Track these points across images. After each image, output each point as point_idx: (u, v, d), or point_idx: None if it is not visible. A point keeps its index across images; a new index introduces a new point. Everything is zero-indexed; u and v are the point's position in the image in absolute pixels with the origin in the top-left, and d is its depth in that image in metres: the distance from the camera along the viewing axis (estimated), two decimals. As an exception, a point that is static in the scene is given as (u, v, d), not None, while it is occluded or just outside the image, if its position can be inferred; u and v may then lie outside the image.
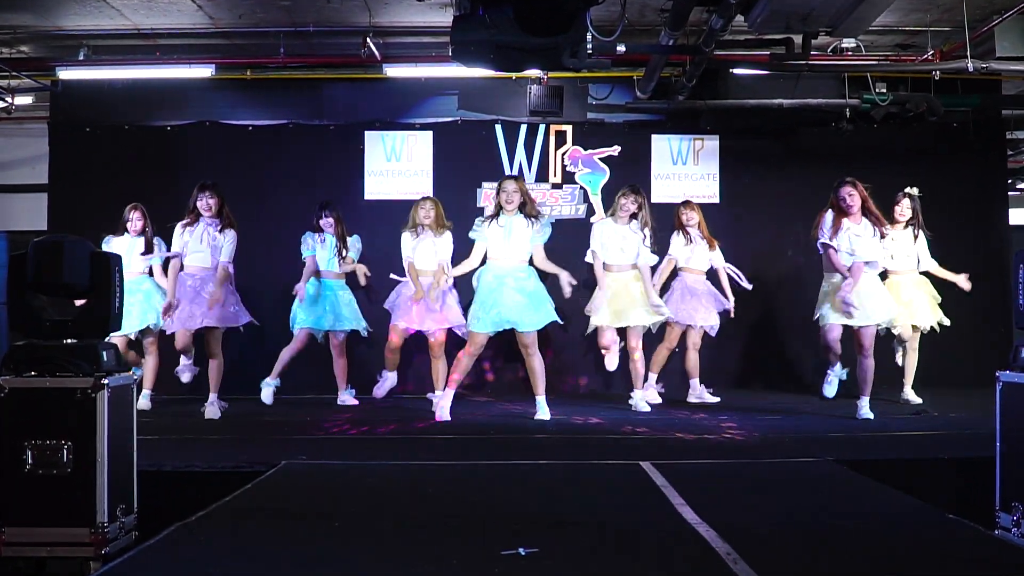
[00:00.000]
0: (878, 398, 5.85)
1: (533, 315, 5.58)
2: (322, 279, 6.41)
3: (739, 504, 3.45)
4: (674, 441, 5.00)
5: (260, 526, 3.07)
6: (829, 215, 5.59)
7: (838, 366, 5.87)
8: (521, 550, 2.71)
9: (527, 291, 5.60)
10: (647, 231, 6.04)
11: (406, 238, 6.20)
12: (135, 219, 6.24)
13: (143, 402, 6.08)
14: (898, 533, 3.00)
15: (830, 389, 5.93)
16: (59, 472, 3.12)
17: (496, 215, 5.72)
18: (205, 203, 5.79)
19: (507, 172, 7.52)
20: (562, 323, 5.88)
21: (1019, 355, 3.37)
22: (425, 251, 6.17)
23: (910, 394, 6.33)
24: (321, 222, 6.39)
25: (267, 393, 6.36)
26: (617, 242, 6.05)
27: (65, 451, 3.13)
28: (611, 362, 6.31)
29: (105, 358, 3.30)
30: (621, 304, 6.03)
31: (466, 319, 5.92)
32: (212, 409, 5.84)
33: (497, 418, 5.83)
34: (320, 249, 6.39)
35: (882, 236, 5.62)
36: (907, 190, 6.28)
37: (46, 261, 3.33)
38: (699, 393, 6.57)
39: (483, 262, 5.76)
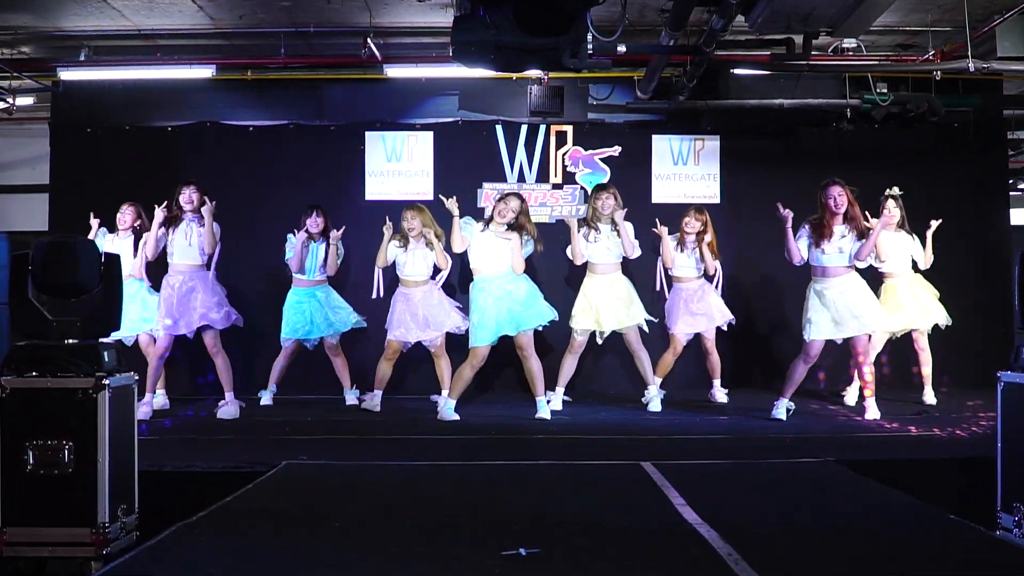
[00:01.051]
0: (883, 398, 5.86)
1: (526, 317, 5.64)
2: (300, 288, 6.32)
3: (740, 504, 3.45)
4: (675, 441, 5.00)
5: (260, 526, 3.07)
6: (804, 230, 5.52)
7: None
8: (522, 550, 2.71)
9: (517, 296, 5.66)
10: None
11: (391, 248, 6.06)
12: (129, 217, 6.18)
13: (161, 400, 6.10)
14: (898, 533, 3.01)
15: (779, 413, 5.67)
16: (60, 472, 3.13)
17: (487, 223, 5.79)
18: (188, 197, 5.78)
19: (508, 173, 7.51)
20: (556, 320, 5.84)
21: (1019, 355, 3.37)
22: (416, 261, 6.12)
23: (928, 395, 6.27)
24: (308, 221, 6.23)
25: (266, 398, 6.39)
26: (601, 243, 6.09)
27: (66, 451, 3.14)
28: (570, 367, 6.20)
29: (106, 358, 3.31)
30: (600, 308, 6.05)
31: (460, 319, 6.05)
32: (229, 409, 5.81)
33: (497, 418, 5.82)
34: (301, 255, 6.23)
35: (864, 236, 5.44)
36: (889, 192, 6.25)
37: (57, 261, 3.34)
38: (712, 393, 6.59)
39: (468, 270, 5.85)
